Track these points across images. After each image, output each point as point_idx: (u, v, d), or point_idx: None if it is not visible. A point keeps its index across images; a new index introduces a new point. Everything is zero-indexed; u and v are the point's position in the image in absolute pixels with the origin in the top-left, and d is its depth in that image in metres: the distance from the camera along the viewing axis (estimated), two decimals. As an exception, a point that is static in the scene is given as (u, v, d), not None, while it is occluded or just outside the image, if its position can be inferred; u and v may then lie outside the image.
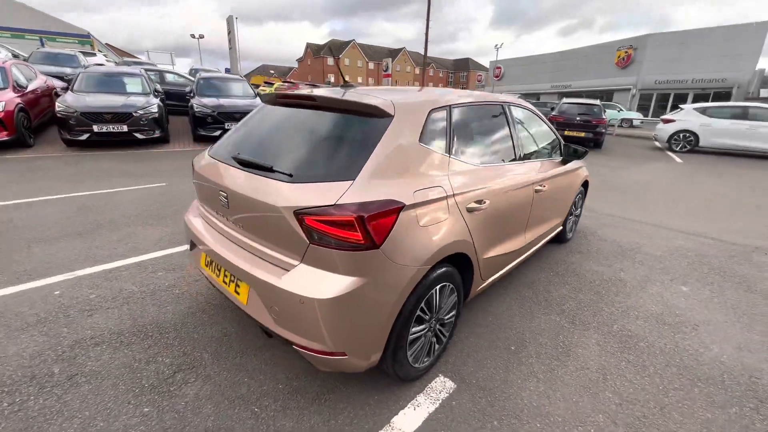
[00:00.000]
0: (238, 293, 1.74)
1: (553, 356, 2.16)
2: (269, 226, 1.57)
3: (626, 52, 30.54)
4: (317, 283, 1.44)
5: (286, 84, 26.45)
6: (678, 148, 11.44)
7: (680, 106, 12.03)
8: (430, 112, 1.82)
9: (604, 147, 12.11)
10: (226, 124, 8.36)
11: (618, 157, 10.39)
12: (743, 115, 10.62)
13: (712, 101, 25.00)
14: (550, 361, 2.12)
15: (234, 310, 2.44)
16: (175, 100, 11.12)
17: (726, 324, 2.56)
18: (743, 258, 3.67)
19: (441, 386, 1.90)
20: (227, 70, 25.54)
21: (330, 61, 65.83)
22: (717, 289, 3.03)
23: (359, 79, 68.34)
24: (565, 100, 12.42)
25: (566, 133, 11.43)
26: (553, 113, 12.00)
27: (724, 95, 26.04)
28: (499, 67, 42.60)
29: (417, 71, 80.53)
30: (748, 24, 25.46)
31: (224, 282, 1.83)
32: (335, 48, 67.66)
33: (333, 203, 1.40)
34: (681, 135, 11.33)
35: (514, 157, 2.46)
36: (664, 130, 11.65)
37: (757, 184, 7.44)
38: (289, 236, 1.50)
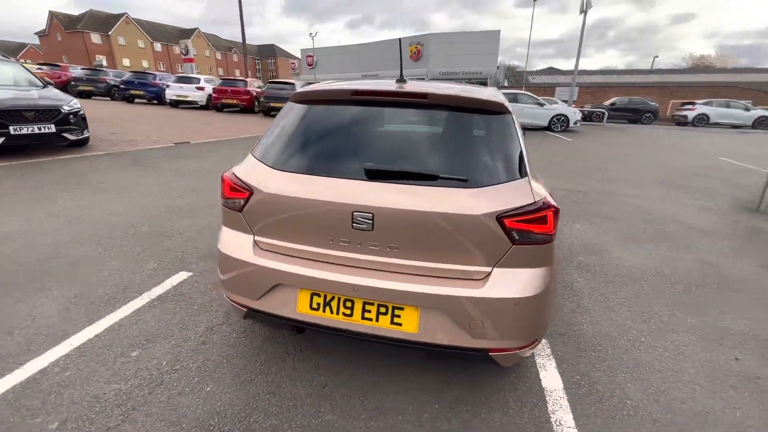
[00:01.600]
0: (398, 324, 1.51)
1: (570, 295, 2.78)
2: (450, 238, 1.43)
3: (416, 47, 36.48)
4: (524, 281, 1.46)
5: (45, 68, 19.26)
6: (481, 126, 14.92)
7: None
8: None
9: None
10: (12, 128, 5.65)
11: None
12: (514, 99, 14.76)
13: (477, 89, 33.42)
14: (571, 299, 2.73)
15: (303, 358, 1.98)
16: None
17: (618, 241, 3.84)
18: (585, 198, 5.42)
19: (539, 345, 2.19)
20: None
21: (96, 37, 50.92)
22: (593, 222, 4.43)
23: (144, 64, 55.94)
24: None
25: (407, 118, 13.07)
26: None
27: (484, 85, 34.80)
28: (311, 56, 43.33)
29: (218, 56, 72.41)
30: (488, 31, 34.69)
31: (365, 319, 1.53)
32: (99, 22, 52.68)
33: (533, 201, 1.43)
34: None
35: None
36: (471, 112, 14.91)
37: (539, 146, 10.69)
38: (484, 243, 1.43)
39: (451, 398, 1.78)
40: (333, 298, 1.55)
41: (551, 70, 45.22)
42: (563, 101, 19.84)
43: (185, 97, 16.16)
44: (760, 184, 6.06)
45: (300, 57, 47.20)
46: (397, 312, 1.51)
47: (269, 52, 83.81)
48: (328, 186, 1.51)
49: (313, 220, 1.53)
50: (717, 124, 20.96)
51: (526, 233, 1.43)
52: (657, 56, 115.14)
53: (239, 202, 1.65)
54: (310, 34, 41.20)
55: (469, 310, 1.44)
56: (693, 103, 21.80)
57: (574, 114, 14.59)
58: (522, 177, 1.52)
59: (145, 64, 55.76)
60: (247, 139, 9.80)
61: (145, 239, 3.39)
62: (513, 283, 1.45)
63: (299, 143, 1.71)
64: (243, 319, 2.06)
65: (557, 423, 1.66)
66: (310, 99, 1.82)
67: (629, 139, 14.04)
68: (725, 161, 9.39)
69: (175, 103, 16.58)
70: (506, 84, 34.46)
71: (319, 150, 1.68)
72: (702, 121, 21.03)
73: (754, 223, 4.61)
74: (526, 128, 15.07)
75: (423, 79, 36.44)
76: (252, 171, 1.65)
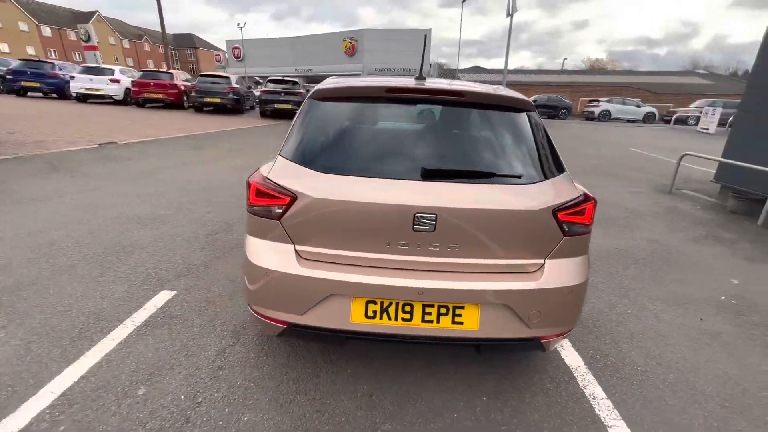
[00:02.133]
0: (459, 323, 1.51)
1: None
2: (510, 233, 1.47)
3: (351, 42, 36.27)
4: (573, 270, 1.55)
5: None
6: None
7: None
8: None
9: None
10: None
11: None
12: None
13: (413, 85, 34.56)
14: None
15: (337, 369, 1.88)
16: None
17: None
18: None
19: (551, 327, 2.36)
20: None
21: (-41, 17, 41.64)
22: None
23: (30, 50, 47.37)
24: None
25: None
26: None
27: (418, 81, 35.86)
28: (238, 47, 40.88)
29: (125, 44, 64.23)
30: (420, 29, 35.82)
31: (425, 322, 1.50)
32: (-38, -3, 43.22)
33: (579, 194, 1.53)
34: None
35: None
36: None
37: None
38: (540, 236, 1.49)
39: (493, 389, 1.83)
40: (390, 303, 1.50)
41: (477, 69, 48.16)
42: (494, 98, 21.24)
43: (97, 90, 14.06)
44: (667, 170, 7.19)
45: (225, 49, 44.05)
46: (458, 311, 1.50)
47: (187, 42, 76.62)
48: (386, 188, 1.44)
49: (368, 225, 1.45)
50: (617, 119, 24.25)
51: (573, 225, 1.53)
52: (566, 58, 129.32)
53: (276, 210, 1.50)
54: (238, 24, 38.44)
55: (529, 302, 1.49)
56: (598, 101, 24.94)
57: (507, 110, 15.73)
58: (563, 172, 1.61)
59: (30, 50, 47.29)
60: (187, 137, 8.89)
61: (102, 257, 2.91)
62: (565, 272, 1.54)
63: (338, 143, 1.61)
64: (276, 337, 1.89)
65: (591, 396, 1.81)
66: (336, 96, 1.72)
67: (556, 133, 15.53)
68: (635, 151, 10.93)
69: (83, 98, 14.37)
70: (439, 81, 35.82)
71: (362, 149, 1.59)
72: (605, 116, 24.16)
73: (672, 204, 5.45)
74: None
75: (359, 75, 36.60)
76: (291, 174, 1.50)
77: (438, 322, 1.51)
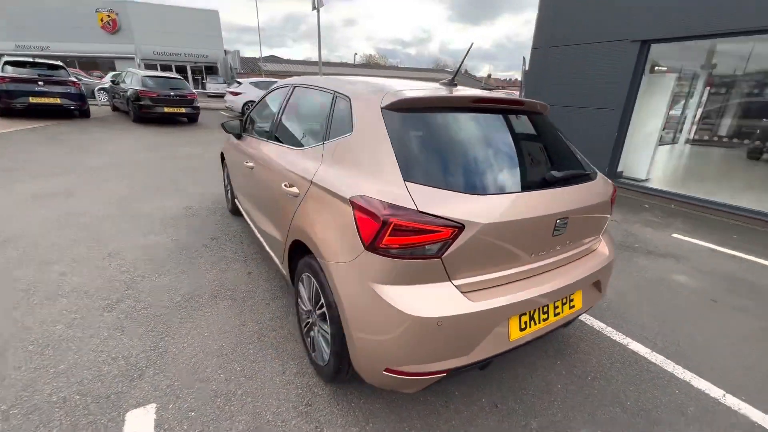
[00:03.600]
0: (573, 306, 1.73)
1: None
2: (597, 220, 1.78)
3: (108, 16, 28.45)
4: (610, 242, 2.01)
5: None
6: (252, 116, 14.10)
7: (238, 80, 14.45)
8: None
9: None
10: None
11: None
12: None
13: (207, 74, 30.71)
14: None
15: (447, 399, 1.77)
16: None
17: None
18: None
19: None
20: None
21: None
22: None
23: None
24: (142, 73, 10.95)
25: (166, 110, 10.61)
26: (140, 88, 10.38)
27: (213, 69, 32.03)
28: None
29: None
30: (205, 10, 31.67)
31: (556, 315, 1.65)
32: None
33: (611, 182, 1.96)
34: (249, 104, 13.95)
35: None
36: (236, 101, 13.78)
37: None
38: (603, 219, 1.85)
39: (555, 352, 2.17)
40: (536, 310, 1.55)
41: (274, 58, 47.02)
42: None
43: None
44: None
45: None
46: (572, 297, 1.71)
47: None
48: (536, 200, 1.47)
49: (521, 240, 1.44)
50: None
51: (612, 205, 1.97)
52: (357, 54, 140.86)
53: (431, 247, 1.27)
54: None
55: (607, 273, 1.87)
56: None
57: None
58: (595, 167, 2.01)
59: None
60: None
61: None
62: (609, 245, 1.97)
63: (465, 159, 1.49)
64: (420, 390, 1.57)
65: (601, 329, 2.41)
66: (417, 107, 1.55)
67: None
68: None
69: None
70: (242, 71, 33.06)
71: (493, 164, 1.54)
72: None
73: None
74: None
75: (133, 59, 29.29)
76: (445, 202, 1.28)
77: (562, 311, 1.68)
